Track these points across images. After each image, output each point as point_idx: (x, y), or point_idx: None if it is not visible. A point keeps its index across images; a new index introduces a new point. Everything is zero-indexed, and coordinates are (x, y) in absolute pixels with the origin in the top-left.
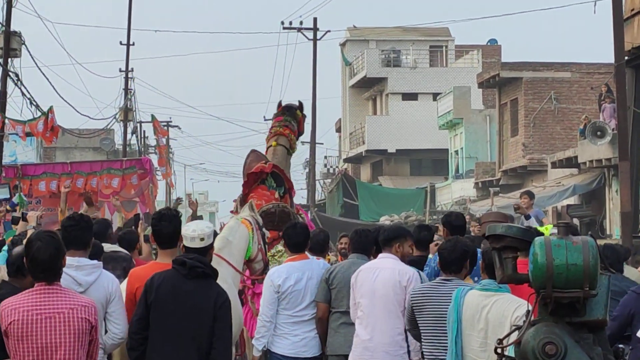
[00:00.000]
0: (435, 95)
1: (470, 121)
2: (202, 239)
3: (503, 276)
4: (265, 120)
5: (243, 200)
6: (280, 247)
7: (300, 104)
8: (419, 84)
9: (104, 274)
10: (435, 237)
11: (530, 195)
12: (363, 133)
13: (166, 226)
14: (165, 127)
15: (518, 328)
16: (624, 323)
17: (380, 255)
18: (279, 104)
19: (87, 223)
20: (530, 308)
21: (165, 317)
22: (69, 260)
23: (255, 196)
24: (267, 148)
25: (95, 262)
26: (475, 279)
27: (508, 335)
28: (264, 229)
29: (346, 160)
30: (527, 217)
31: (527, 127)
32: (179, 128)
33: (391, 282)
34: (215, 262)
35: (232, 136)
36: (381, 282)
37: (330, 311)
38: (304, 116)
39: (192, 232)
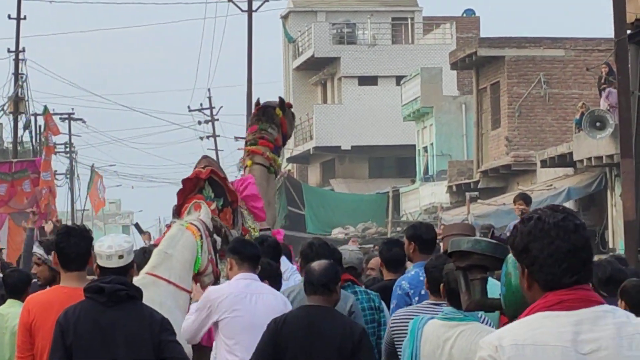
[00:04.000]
0: (398, 79)
1: (442, 110)
2: (120, 257)
3: (470, 302)
4: (190, 111)
5: (177, 212)
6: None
7: (281, 100)
8: (378, 66)
9: None
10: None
11: (527, 199)
12: (310, 126)
13: (76, 244)
14: (66, 120)
15: None
16: None
17: (241, 274)
18: (257, 103)
19: None
20: None
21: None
22: None
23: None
24: (244, 169)
25: None
26: None
27: None
28: (215, 236)
29: (290, 160)
30: None
31: (511, 117)
32: (83, 122)
33: (278, 311)
34: (149, 283)
35: (148, 131)
36: (263, 311)
37: None
38: (287, 115)
39: (107, 248)
